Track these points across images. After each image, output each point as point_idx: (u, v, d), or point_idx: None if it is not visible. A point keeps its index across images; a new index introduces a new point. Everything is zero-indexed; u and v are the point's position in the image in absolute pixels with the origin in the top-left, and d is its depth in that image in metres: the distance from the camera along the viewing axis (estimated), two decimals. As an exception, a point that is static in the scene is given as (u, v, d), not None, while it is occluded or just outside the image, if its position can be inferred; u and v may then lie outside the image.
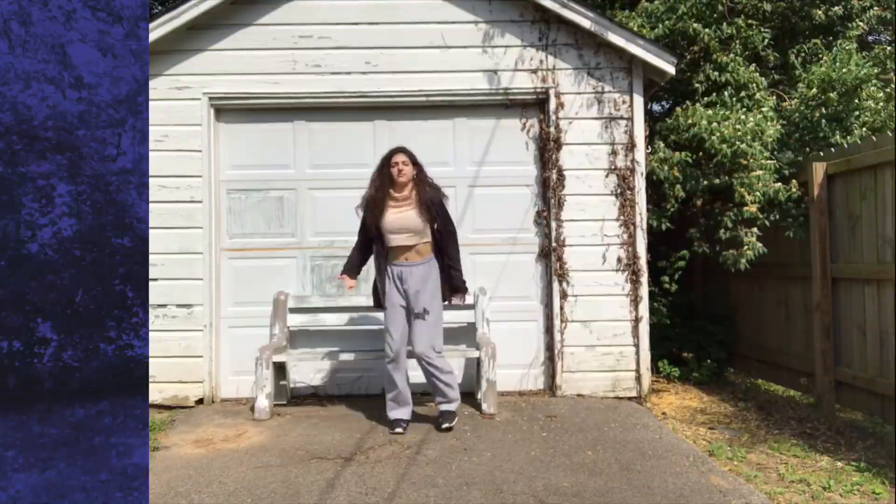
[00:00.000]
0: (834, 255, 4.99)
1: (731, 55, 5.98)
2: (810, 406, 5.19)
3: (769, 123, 5.31)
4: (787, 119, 5.79)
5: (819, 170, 5.06)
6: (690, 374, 6.14)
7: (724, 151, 5.17)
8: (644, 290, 5.21)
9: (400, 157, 4.34)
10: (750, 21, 6.21)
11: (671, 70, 5.16)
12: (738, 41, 6.12)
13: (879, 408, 4.52)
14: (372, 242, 4.42)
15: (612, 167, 5.26)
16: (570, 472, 3.58)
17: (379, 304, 4.46)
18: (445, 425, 4.32)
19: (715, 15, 6.15)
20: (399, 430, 4.27)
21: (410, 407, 4.45)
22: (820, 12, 6.18)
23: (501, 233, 5.42)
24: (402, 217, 4.30)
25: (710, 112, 5.42)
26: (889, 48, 5.62)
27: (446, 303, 4.48)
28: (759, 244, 5.26)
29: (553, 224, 5.26)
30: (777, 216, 5.33)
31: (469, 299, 5.30)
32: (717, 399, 5.55)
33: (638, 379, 5.21)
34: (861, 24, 6.27)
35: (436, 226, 4.36)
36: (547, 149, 5.29)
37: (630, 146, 5.26)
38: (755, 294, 6.08)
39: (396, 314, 4.36)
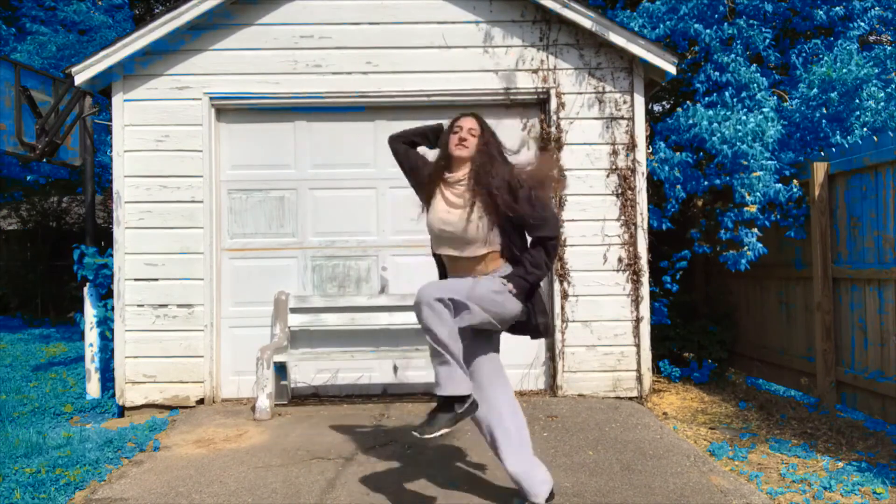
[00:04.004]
0: (835, 255, 4.99)
1: (732, 55, 5.97)
2: (811, 406, 5.19)
3: (770, 124, 5.31)
4: (788, 119, 5.79)
5: (819, 170, 5.06)
6: (691, 374, 6.14)
7: (724, 152, 5.17)
8: (645, 290, 5.21)
9: (467, 122, 2.96)
10: (751, 21, 6.20)
11: (672, 70, 5.16)
12: (739, 41, 6.12)
13: (880, 408, 4.53)
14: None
15: (613, 167, 5.26)
16: (571, 472, 3.58)
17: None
18: None
19: (716, 15, 6.15)
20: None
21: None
22: (821, 12, 6.18)
23: (502, 233, 5.41)
24: (447, 215, 2.91)
25: (710, 112, 5.42)
26: (889, 48, 5.62)
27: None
28: (760, 244, 5.27)
29: (554, 224, 5.25)
30: (777, 216, 5.33)
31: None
32: (718, 399, 5.54)
33: (639, 379, 5.20)
34: (862, 24, 6.26)
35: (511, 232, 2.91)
36: (548, 149, 5.28)
37: (631, 146, 5.25)
38: (756, 294, 6.08)
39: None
